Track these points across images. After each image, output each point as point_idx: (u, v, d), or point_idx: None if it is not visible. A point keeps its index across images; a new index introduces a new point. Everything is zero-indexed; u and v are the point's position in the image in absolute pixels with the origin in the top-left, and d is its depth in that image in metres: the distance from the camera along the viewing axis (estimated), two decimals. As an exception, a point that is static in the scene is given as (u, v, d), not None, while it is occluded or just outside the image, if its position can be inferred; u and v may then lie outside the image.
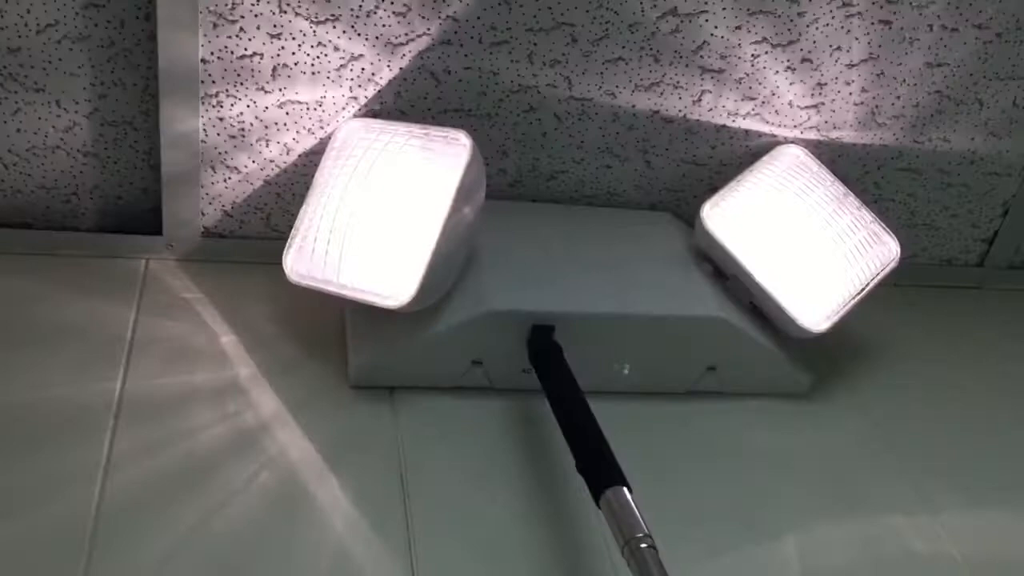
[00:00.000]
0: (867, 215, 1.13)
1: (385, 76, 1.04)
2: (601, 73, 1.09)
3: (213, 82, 1.01)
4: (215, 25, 0.98)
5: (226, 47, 0.99)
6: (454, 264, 0.98)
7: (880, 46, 1.13)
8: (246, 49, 1.00)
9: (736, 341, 1.04)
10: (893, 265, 1.11)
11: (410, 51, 1.03)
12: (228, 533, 0.84)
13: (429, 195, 0.95)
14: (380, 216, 0.95)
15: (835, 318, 1.07)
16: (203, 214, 1.09)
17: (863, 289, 1.09)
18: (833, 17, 1.10)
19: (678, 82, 1.11)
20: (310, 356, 1.02)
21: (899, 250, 1.11)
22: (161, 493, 0.86)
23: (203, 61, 1.00)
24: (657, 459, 0.99)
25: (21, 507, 0.82)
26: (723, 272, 1.09)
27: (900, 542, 0.96)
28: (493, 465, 0.95)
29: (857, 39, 1.12)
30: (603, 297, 1.01)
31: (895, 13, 1.11)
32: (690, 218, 1.16)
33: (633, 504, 0.82)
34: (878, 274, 1.11)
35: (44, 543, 0.80)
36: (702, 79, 1.11)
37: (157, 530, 0.82)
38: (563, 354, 0.97)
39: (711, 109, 1.14)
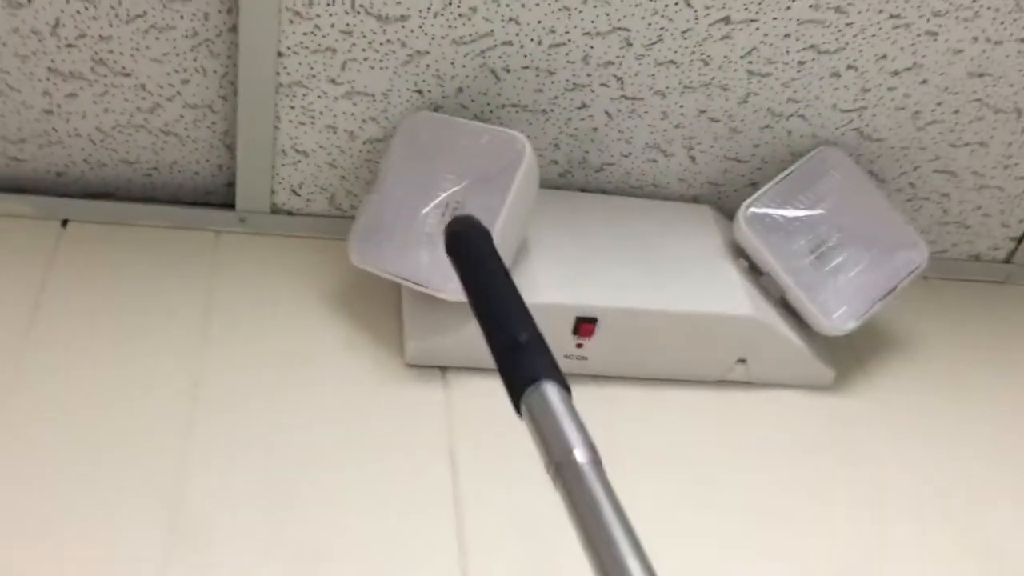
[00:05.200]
0: (899, 217, 1.19)
1: (448, 72, 1.10)
2: (652, 75, 1.14)
3: (288, 73, 1.08)
4: (292, 21, 1.04)
5: (301, 42, 1.06)
6: (507, 257, 1.05)
7: (925, 56, 1.17)
8: (320, 44, 1.06)
9: (766, 337, 1.11)
10: (921, 268, 1.17)
11: (473, 50, 1.09)
12: (285, 501, 0.93)
13: (487, 193, 1.01)
14: (439, 209, 1.03)
15: (862, 318, 1.14)
16: (273, 192, 1.17)
17: (891, 291, 1.15)
18: (880, 28, 1.14)
19: (726, 84, 1.16)
20: (368, 332, 1.10)
21: (928, 254, 1.17)
22: (235, 467, 0.95)
23: (279, 54, 1.06)
24: (682, 446, 1.07)
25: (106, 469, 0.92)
26: (758, 268, 1.15)
27: (914, 536, 1.04)
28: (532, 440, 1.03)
29: (903, 49, 1.16)
30: (643, 292, 1.08)
31: (941, 26, 1.14)
32: (730, 211, 1.22)
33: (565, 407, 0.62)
34: (906, 276, 1.17)
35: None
36: (749, 82, 1.16)
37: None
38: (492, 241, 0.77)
39: (756, 111, 1.19)
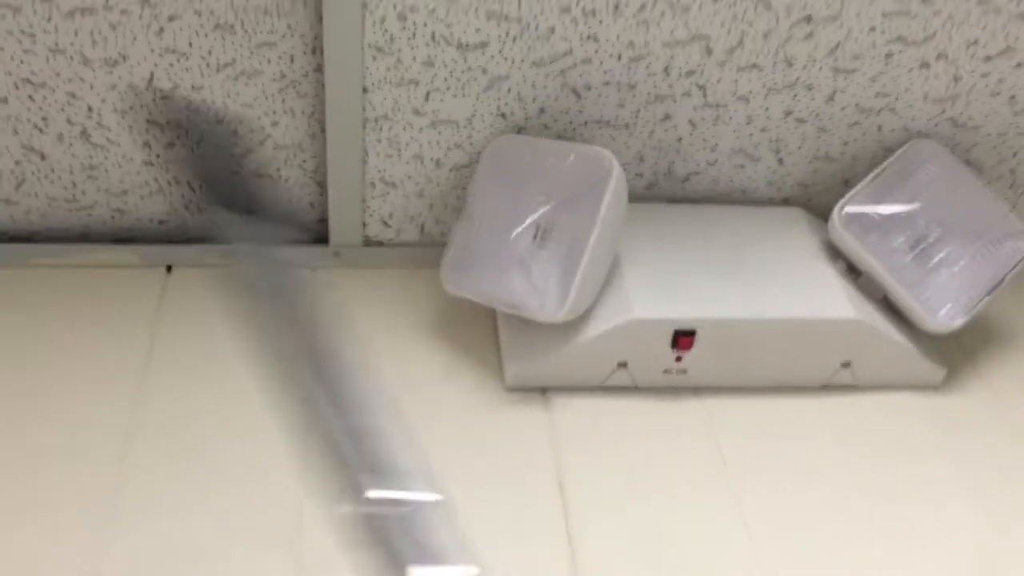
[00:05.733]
0: (1002, 206, 1.15)
1: (529, 94, 1.11)
2: (735, 80, 1.13)
3: (374, 108, 1.10)
4: (375, 57, 1.06)
5: (385, 77, 1.08)
6: (601, 275, 1.05)
7: (1017, 39, 1.13)
8: (403, 77, 1.08)
9: (870, 339, 1.08)
10: (1028, 259, 1.13)
11: (553, 70, 1.09)
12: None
13: (578, 214, 1.01)
14: (530, 231, 1.03)
15: (969, 314, 1.10)
16: (364, 224, 1.19)
17: (998, 284, 1.12)
18: (969, 14, 1.10)
19: (811, 84, 1.14)
20: (467, 358, 1.11)
21: (1035, 244, 1.13)
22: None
23: (364, 90, 1.08)
24: (790, 454, 1.05)
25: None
26: (856, 269, 1.13)
27: (1033, 533, 1.01)
28: (638, 457, 1.03)
29: (994, 33, 1.12)
30: (740, 301, 1.06)
31: (1034, 6, 1.11)
32: (821, 211, 1.20)
33: None
34: (1014, 267, 1.13)
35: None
36: (835, 79, 1.14)
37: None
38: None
39: (843, 108, 1.16)
